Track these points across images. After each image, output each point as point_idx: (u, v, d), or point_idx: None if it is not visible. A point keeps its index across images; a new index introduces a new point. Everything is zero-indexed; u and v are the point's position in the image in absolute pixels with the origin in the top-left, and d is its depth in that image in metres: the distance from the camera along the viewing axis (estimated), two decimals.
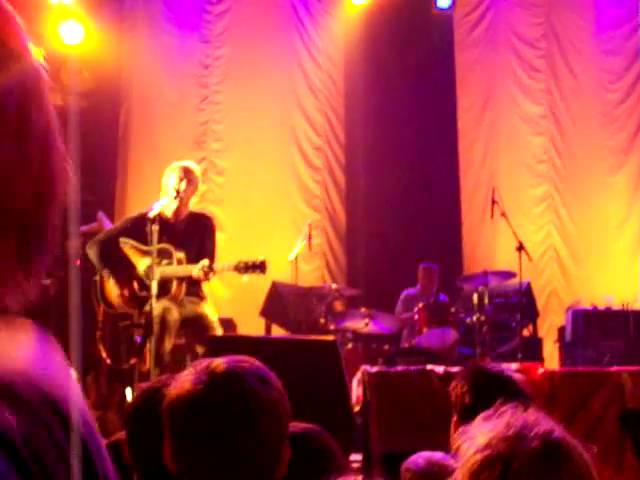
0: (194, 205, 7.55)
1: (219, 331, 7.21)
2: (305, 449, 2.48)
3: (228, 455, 1.98)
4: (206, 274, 6.84)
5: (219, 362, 2.04)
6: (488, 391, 3.01)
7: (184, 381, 2.02)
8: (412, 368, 6.70)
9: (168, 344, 7.00)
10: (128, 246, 7.23)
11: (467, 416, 1.94)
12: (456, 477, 1.77)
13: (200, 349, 7.06)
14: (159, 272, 6.79)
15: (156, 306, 6.74)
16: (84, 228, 8.82)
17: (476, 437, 1.76)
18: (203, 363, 2.06)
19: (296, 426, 2.46)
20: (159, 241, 6.76)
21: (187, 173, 7.21)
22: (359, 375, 6.77)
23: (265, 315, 10.21)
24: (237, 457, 1.98)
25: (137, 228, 6.99)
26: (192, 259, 7.08)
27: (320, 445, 2.71)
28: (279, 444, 2.06)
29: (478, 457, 1.72)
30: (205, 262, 6.88)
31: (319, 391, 5.77)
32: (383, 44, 11.41)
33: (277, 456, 2.05)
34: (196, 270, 6.83)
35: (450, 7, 11.45)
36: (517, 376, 3.34)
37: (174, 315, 7.03)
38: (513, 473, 1.68)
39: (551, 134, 11.62)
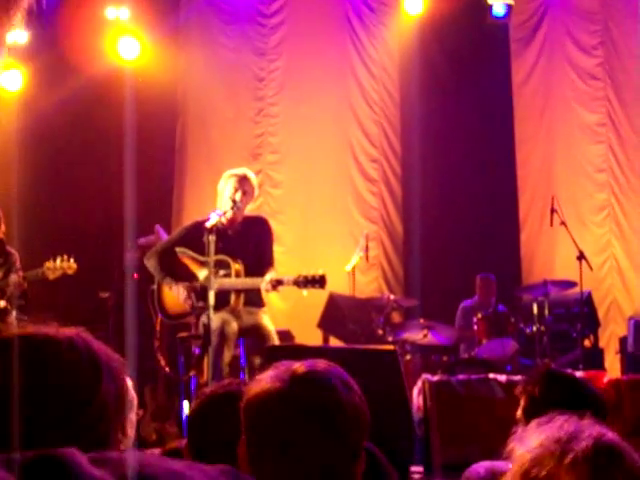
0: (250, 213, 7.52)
1: (276, 341, 7.16)
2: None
3: (302, 455, 1.91)
4: (274, 287, 6.79)
5: (300, 364, 1.99)
6: (562, 396, 2.93)
7: (265, 379, 1.98)
8: (474, 377, 6.61)
9: (227, 356, 6.96)
10: (186, 256, 7.21)
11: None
12: (507, 477, 1.78)
13: (257, 360, 7.02)
14: (218, 284, 6.76)
15: (214, 318, 6.70)
16: (142, 241, 8.87)
17: (528, 439, 1.78)
18: (284, 365, 2.02)
19: None
20: (215, 249, 6.73)
21: (242, 183, 7.18)
22: (419, 385, 6.69)
23: (322, 327, 10.16)
24: (312, 458, 1.91)
25: (193, 237, 6.97)
26: (249, 265, 7.04)
27: (373, 461, 2.66)
28: (357, 451, 1.97)
29: (528, 456, 1.74)
30: (273, 275, 6.82)
31: (379, 401, 5.69)
32: (438, 54, 11.36)
33: (353, 463, 1.96)
34: (264, 284, 6.78)
35: (505, 16, 11.30)
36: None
37: (232, 327, 7.00)
38: (563, 471, 1.65)
39: (610, 142, 11.46)
